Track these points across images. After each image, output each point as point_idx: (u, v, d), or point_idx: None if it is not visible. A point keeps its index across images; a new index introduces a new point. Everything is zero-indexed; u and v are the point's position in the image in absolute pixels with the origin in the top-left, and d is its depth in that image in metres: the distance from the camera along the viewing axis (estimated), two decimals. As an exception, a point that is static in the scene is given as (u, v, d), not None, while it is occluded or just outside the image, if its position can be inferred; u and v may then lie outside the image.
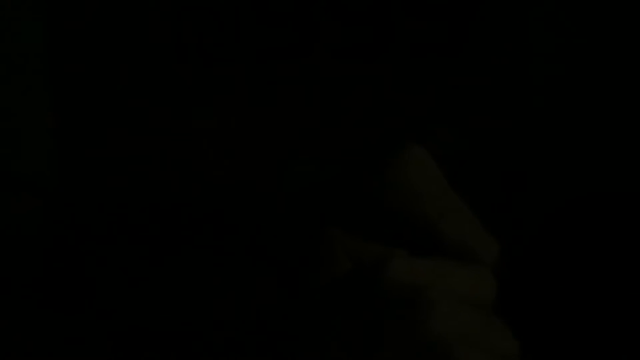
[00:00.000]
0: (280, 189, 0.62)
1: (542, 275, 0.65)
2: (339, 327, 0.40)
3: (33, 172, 0.65)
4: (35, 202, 0.62)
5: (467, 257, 0.42)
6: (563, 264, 0.66)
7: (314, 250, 0.41)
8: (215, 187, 0.64)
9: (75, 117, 0.65)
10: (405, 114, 0.65)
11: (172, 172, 0.64)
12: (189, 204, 0.63)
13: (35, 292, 0.57)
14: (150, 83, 0.64)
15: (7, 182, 0.62)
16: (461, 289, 0.40)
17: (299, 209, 0.46)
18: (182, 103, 0.64)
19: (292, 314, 0.41)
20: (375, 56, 0.64)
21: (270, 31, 0.64)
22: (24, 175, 0.64)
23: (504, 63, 0.65)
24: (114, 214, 0.63)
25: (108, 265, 0.57)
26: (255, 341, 0.42)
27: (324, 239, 0.41)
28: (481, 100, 0.65)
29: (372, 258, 0.41)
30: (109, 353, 0.50)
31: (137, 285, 0.54)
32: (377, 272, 0.40)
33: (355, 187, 0.42)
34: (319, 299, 0.40)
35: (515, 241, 0.64)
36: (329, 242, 0.41)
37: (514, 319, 0.42)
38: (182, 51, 0.64)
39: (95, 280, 0.56)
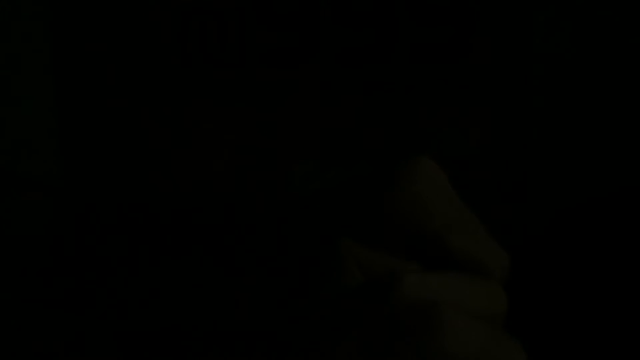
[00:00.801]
0: (285, 191, 0.62)
1: (547, 280, 0.65)
2: (347, 338, 0.40)
3: (39, 172, 0.65)
4: (41, 201, 0.63)
5: (477, 270, 0.41)
6: (568, 268, 0.66)
7: (325, 258, 0.41)
8: (219, 188, 0.64)
9: (80, 118, 0.66)
10: (409, 118, 0.65)
11: (176, 174, 0.64)
12: (193, 206, 0.63)
13: (40, 290, 0.57)
14: (155, 86, 0.64)
15: (13, 181, 0.63)
16: (473, 305, 0.40)
17: (305, 214, 0.46)
18: (187, 106, 0.64)
19: (299, 320, 0.41)
20: (378, 60, 0.64)
21: (274, 36, 0.64)
22: (30, 174, 0.64)
23: (506, 67, 0.65)
24: (119, 213, 0.63)
25: (112, 264, 0.57)
26: (259, 343, 0.42)
27: (335, 249, 0.41)
28: (483, 103, 0.66)
29: (385, 271, 0.40)
30: (114, 352, 0.50)
31: (141, 284, 0.54)
32: (390, 286, 0.39)
33: (363, 198, 0.42)
34: (328, 308, 0.40)
35: (520, 245, 0.65)
36: (340, 252, 0.41)
37: (521, 329, 0.42)
38: (186, 55, 0.64)
39: (100, 279, 0.56)
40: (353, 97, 0.65)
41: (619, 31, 0.66)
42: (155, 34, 0.64)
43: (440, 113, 0.65)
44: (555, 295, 0.65)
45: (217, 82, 0.64)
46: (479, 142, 0.66)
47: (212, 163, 0.64)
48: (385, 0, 0.65)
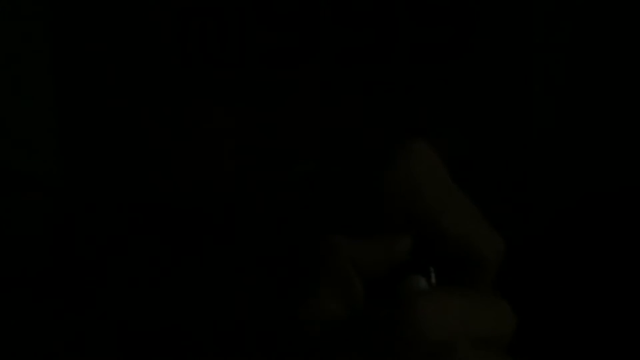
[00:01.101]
0: (284, 191, 0.62)
1: (547, 277, 0.65)
2: (352, 349, 0.39)
3: (38, 171, 0.65)
4: (41, 201, 0.63)
5: (471, 254, 0.41)
6: (569, 268, 0.65)
7: (319, 260, 0.40)
8: (219, 188, 0.64)
9: (80, 118, 0.66)
10: (409, 117, 0.65)
11: (176, 174, 0.64)
12: (193, 206, 0.63)
13: (40, 290, 0.57)
14: (155, 86, 0.64)
15: (13, 180, 0.63)
16: (485, 333, 0.40)
17: (301, 206, 0.46)
18: (187, 106, 0.64)
19: (299, 321, 0.41)
20: (378, 60, 0.64)
21: (275, 35, 0.64)
22: (30, 174, 0.64)
23: (506, 67, 0.65)
24: (119, 213, 0.63)
25: (112, 263, 0.57)
26: (259, 343, 0.42)
27: (329, 249, 0.40)
28: (484, 103, 0.66)
29: (381, 269, 0.40)
30: (114, 353, 0.50)
31: (140, 284, 0.54)
32: (403, 314, 0.39)
33: (357, 180, 0.42)
34: (332, 329, 0.39)
35: (521, 243, 0.64)
36: (335, 252, 0.40)
37: (521, 329, 0.42)
38: (186, 55, 0.64)
39: (100, 279, 0.56)
40: (353, 97, 0.65)
41: (619, 31, 0.66)
42: (155, 34, 0.64)
43: (440, 113, 0.65)
44: (555, 294, 0.65)
45: (217, 82, 0.64)
46: (479, 142, 0.66)
47: (212, 163, 0.64)
48: (385, 0, 0.65)
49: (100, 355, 0.49)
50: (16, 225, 0.61)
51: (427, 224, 0.41)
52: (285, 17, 0.64)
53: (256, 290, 0.45)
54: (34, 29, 0.65)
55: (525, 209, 0.66)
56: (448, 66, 0.65)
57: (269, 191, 0.62)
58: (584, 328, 0.65)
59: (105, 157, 0.65)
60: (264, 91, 0.64)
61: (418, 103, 0.65)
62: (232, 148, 0.64)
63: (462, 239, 0.41)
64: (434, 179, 0.41)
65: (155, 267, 0.55)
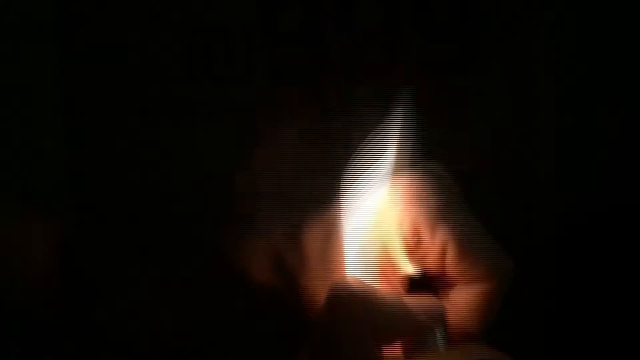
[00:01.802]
0: (285, 206, 0.62)
1: (555, 293, 0.65)
2: None
3: (45, 194, 0.65)
4: (48, 223, 0.63)
5: (481, 274, 0.41)
6: (577, 281, 0.66)
7: (341, 328, 0.39)
8: (221, 204, 0.64)
9: (85, 140, 0.66)
10: (415, 131, 0.65)
11: (181, 192, 0.65)
12: (193, 223, 0.63)
13: (44, 310, 0.57)
14: (160, 103, 0.65)
15: (20, 203, 0.63)
16: None
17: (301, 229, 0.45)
18: (191, 123, 0.65)
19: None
20: (384, 76, 0.65)
21: (281, 52, 0.64)
22: (37, 196, 0.65)
23: (511, 82, 0.65)
24: (125, 233, 0.63)
25: (120, 283, 0.57)
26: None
27: (353, 321, 0.39)
28: (490, 119, 0.66)
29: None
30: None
31: (148, 301, 0.54)
32: None
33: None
34: None
35: (528, 260, 0.64)
36: (359, 325, 0.39)
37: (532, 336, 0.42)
38: (191, 72, 0.64)
39: (107, 300, 0.56)
40: (358, 111, 0.65)
41: (625, 42, 0.66)
42: (160, 51, 0.65)
43: (448, 125, 0.65)
44: (560, 304, 0.65)
45: (222, 99, 0.65)
46: (486, 157, 0.66)
47: (217, 180, 0.65)
48: (392, 17, 0.65)
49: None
50: (20, 247, 0.61)
51: (437, 243, 0.42)
52: (293, 35, 0.64)
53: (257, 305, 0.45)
54: (42, 50, 0.66)
55: (532, 220, 0.66)
56: (456, 83, 0.65)
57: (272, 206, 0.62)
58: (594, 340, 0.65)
59: (110, 178, 0.65)
60: (269, 107, 0.64)
61: (426, 117, 0.65)
62: (237, 165, 0.64)
63: (472, 259, 0.42)
64: (444, 201, 0.42)
65: (159, 283, 0.55)
